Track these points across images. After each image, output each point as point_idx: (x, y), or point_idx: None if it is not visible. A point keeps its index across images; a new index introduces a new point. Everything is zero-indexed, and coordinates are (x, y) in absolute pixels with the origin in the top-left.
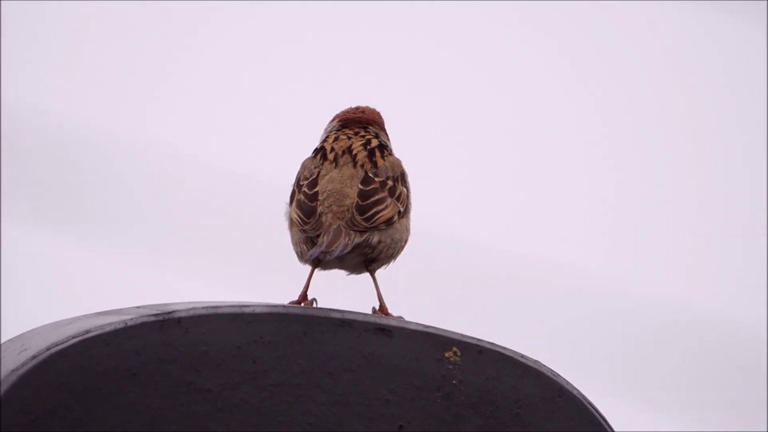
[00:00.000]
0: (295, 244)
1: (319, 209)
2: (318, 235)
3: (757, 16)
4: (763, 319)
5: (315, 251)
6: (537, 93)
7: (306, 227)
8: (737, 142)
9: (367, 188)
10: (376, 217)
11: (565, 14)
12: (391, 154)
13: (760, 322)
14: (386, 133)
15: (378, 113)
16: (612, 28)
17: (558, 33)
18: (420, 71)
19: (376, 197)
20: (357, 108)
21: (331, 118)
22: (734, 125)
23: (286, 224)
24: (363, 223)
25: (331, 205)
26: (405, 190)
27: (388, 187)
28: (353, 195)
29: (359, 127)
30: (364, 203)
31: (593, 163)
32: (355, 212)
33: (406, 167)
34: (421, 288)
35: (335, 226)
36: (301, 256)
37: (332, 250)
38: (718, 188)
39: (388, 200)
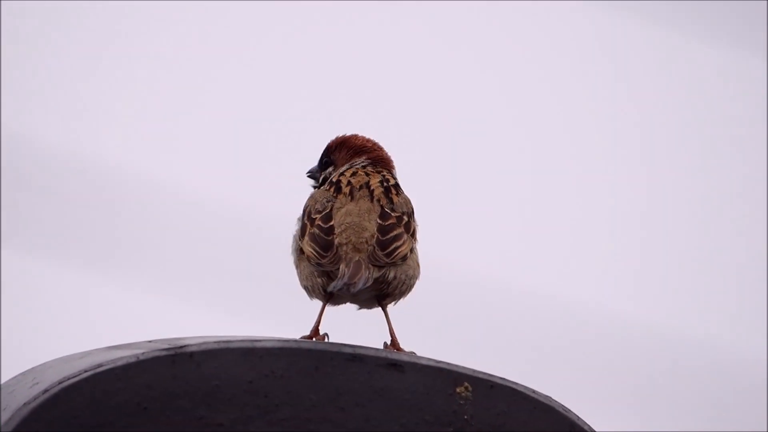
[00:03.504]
0: (305, 278)
1: (337, 241)
2: (336, 269)
3: (758, 43)
4: (762, 347)
5: (338, 283)
6: (535, 117)
7: (323, 261)
8: (740, 172)
9: (386, 223)
10: (395, 253)
11: (559, 40)
12: (402, 192)
13: (760, 351)
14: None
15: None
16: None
17: (554, 59)
18: (417, 90)
19: (395, 232)
20: (375, 144)
21: (332, 142)
22: (736, 155)
23: (293, 258)
24: (384, 259)
25: (349, 237)
26: (416, 225)
27: (404, 222)
28: (372, 228)
29: (381, 167)
30: (384, 238)
31: (596, 194)
32: (376, 247)
33: (414, 203)
34: (433, 323)
35: (355, 259)
36: (312, 291)
37: (355, 282)
38: (719, 218)
39: (405, 236)
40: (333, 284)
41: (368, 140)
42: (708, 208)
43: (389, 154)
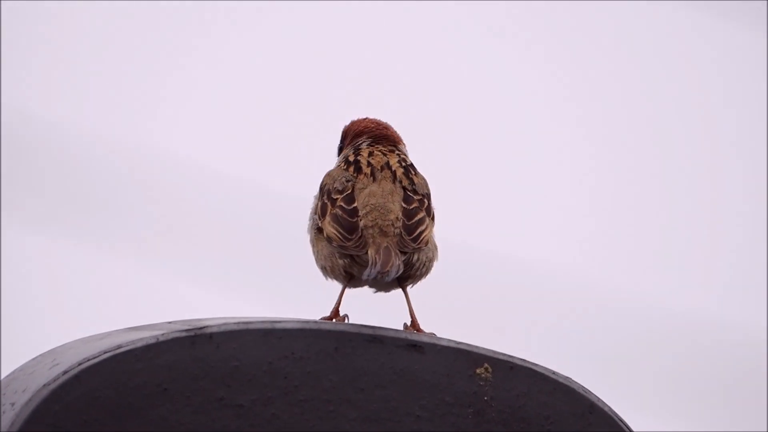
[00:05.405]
0: (324, 258)
1: (362, 224)
2: (364, 253)
3: (757, 20)
4: (762, 321)
5: (372, 272)
6: (537, 99)
7: (348, 243)
8: (738, 148)
9: (410, 207)
10: (420, 238)
11: (564, 19)
12: (419, 172)
13: (760, 325)
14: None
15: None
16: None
17: (557, 37)
18: (421, 77)
19: (418, 217)
20: (380, 123)
21: (343, 128)
22: (734, 130)
23: (309, 237)
24: (411, 244)
25: (375, 220)
26: (433, 207)
27: (425, 206)
28: (396, 211)
29: (390, 145)
30: (410, 223)
31: (597, 169)
32: (403, 232)
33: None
34: (453, 304)
35: (384, 245)
36: (331, 272)
37: (388, 271)
38: (718, 193)
39: (427, 219)
40: (366, 272)
41: (372, 121)
42: (709, 185)
43: (398, 132)
